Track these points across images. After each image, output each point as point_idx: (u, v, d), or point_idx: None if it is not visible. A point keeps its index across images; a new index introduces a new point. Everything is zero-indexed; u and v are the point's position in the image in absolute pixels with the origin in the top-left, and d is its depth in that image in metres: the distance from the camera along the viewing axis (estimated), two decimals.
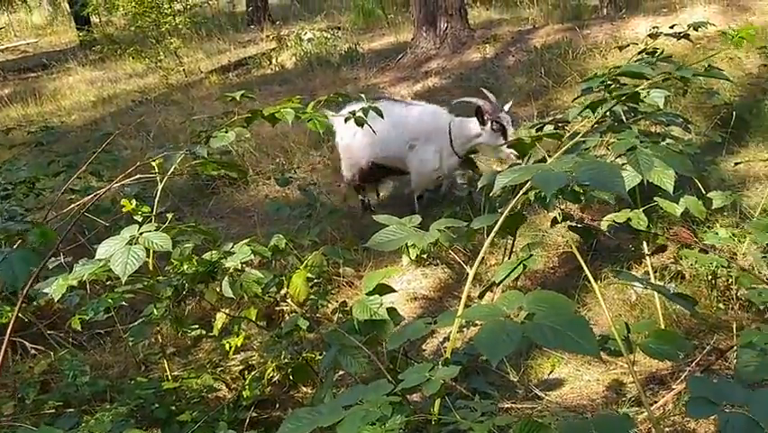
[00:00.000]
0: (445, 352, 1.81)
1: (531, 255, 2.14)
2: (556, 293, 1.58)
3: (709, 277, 3.32)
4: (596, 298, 3.44)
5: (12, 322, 2.21)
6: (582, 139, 2.22)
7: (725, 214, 3.76)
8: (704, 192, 3.24)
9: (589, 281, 3.50)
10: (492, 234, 1.63)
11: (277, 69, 9.40)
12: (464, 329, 3.18)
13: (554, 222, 2.58)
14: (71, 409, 2.77)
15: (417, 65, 8.34)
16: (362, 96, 3.15)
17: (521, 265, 2.11)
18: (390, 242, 1.78)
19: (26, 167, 4.53)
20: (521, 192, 1.68)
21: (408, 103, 4.94)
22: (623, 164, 2.37)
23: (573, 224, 2.90)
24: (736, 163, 3.86)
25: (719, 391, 1.48)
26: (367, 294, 2.24)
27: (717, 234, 3.18)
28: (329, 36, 9.76)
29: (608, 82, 2.57)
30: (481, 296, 2.37)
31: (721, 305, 3.28)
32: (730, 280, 3.28)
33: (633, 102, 2.40)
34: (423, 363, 1.82)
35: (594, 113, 2.29)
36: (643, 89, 2.17)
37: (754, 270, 3.31)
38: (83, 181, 4.84)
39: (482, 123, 4.18)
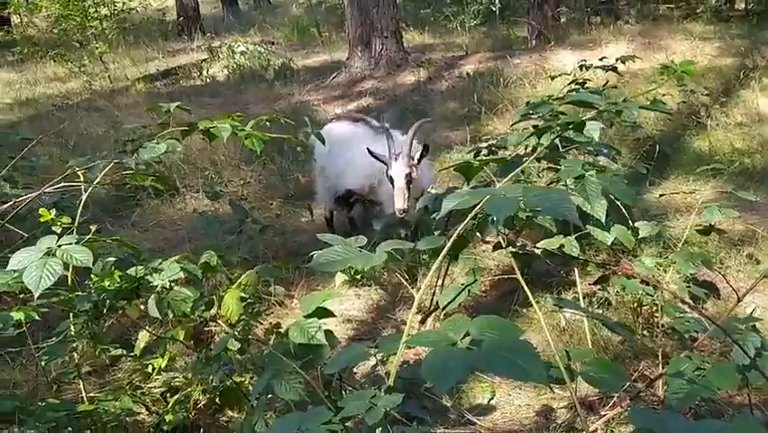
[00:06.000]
0: (385, 376, 1.76)
1: (476, 280, 2.12)
2: (503, 318, 1.56)
3: (635, 305, 3.41)
4: (527, 323, 3.48)
5: None
6: (522, 167, 2.22)
7: (649, 244, 3.88)
8: (631, 222, 3.34)
9: (522, 307, 3.55)
10: (441, 257, 1.60)
11: (207, 80, 9.20)
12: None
13: (498, 247, 2.58)
14: None
15: (351, 84, 8.35)
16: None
17: (466, 290, 2.09)
18: (335, 262, 1.72)
19: None
20: (469, 217, 1.65)
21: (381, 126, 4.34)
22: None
23: (515, 250, 2.92)
24: (661, 195, 4.01)
25: (662, 423, 1.48)
26: (305, 317, 2.16)
27: (643, 262, 3.26)
28: (262, 50, 9.65)
29: (553, 110, 2.61)
30: (423, 321, 2.33)
31: (645, 332, 3.36)
32: (654, 309, 3.37)
33: (578, 130, 2.44)
34: (357, 388, 1.76)
35: (539, 139, 2.30)
36: (588, 119, 2.21)
37: (676, 299, 3.43)
38: None
39: None
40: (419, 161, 3.71)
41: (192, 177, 5.62)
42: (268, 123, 2.53)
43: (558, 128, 2.30)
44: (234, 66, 9.36)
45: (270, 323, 2.73)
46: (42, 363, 2.77)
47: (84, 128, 6.75)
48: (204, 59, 10.00)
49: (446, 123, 6.82)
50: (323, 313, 2.21)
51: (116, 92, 8.62)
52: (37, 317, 2.45)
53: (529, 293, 1.70)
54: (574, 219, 1.44)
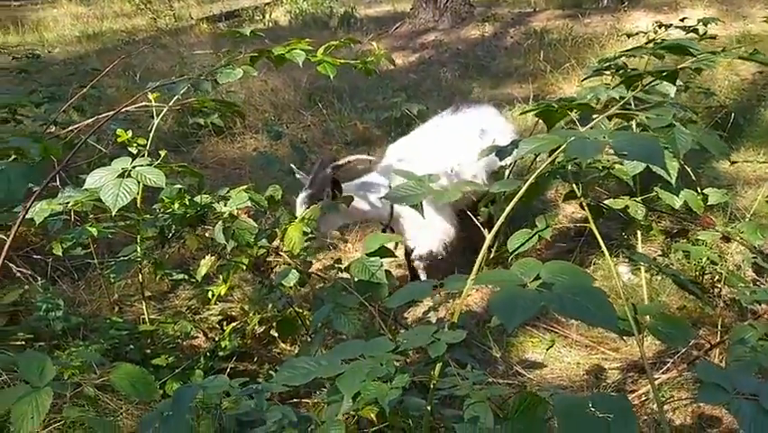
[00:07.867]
0: (446, 316, 1.76)
1: (548, 226, 2.09)
2: (574, 265, 1.54)
3: (696, 273, 3.33)
4: None
5: (8, 243, 2.07)
6: (610, 113, 2.15)
7: (716, 214, 3.77)
8: (699, 189, 3.23)
9: (580, 263, 3.50)
10: (515, 201, 1.57)
11: (270, 24, 9.20)
12: (450, 300, 3.16)
13: (570, 196, 2.52)
14: (41, 343, 2.66)
15: (415, 35, 8.22)
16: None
17: (536, 236, 2.06)
18: (410, 196, 1.71)
19: (7, 93, 4.36)
20: (549, 159, 1.61)
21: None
22: None
23: (588, 201, 2.85)
24: (733, 162, 3.86)
25: (729, 379, 1.46)
26: (367, 255, 2.18)
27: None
28: None
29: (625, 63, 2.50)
30: (489, 264, 2.32)
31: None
32: (716, 278, 3.29)
33: (671, 81, 2.34)
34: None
35: (629, 89, 2.22)
36: (684, 66, 2.11)
37: (740, 270, 3.33)
38: (64, 115, 4.68)
39: None
40: (334, 197, 3.04)
41: (253, 118, 5.66)
42: (337, 47, 2.51)
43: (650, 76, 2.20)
44: (297, 11, 9.34)
45: (331, 258, 2.75)
46: (110, 280, 2.86)
47: (150, 63, 6.84)
48: (267, 3, 9.99)
49: (509, 79, 6.67)
50: (385, 252, 2.23)
51: (180, 31, 8.70)
52: (109, 236, 2.53)
53: (600, 239, 1.67)
54: (662, 165, 1.39)
